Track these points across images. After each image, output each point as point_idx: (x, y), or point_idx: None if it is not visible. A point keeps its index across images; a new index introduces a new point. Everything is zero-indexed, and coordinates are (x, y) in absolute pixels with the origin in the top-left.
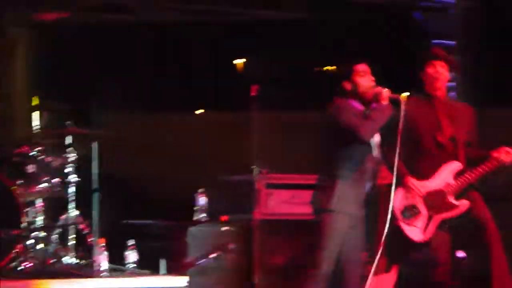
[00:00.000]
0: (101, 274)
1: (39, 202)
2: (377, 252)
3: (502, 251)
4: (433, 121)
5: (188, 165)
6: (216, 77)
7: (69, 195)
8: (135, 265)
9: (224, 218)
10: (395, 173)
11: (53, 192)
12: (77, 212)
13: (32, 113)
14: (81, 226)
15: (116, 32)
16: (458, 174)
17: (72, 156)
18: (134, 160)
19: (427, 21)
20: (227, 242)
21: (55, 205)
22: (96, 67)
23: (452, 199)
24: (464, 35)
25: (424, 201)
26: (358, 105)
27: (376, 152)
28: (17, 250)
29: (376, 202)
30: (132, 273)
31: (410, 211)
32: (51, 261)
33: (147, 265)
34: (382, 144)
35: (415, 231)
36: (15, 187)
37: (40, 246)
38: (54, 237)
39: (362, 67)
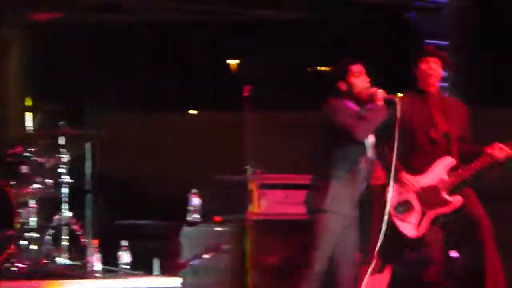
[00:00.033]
0: (94, 275)
1: (32, 203)
2: (371, 253)
3: (495, 248)
4: (426, 117)
5: (181, 165)
6: (210, 78)
7: (62, 196)
8: (128, 265)
9: (217, 218)
10: (392, 173)
11: (46, 192)
12: (70, 213)
13: (26, 114)
14: (74, 227)
15: (111, 32)
16: (452, 170)
17: (65, 157)
18: (128, 161)
19: (421, 21)
20: (221, 243)
21: (48, 205)
22: (91, 67)
23: (445, 195)
24: (457, 35)
25: (417, 197)
26: (353, 106)
27: (370, 153)
28: (10, 250)
29: (370, 202)
30: (125, 274)
31: (403, 207)
32: (44, 261)
33: (141, 266)
34: (377, 144)
35: (408, 227)
36: (9, 187)
37: (33, 246)
38: (47, 237)
39: (357, 68)
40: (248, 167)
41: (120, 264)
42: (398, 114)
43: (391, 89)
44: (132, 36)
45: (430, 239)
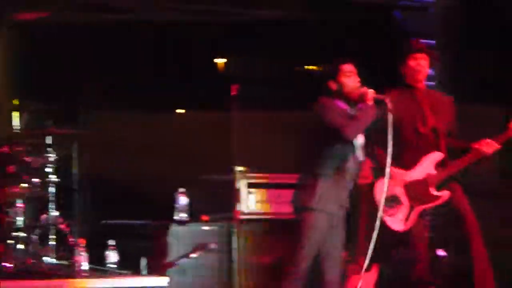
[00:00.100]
0: (82, 274)
1: (19, 202)
2: (358, 251)
3: (482, 244)
4: (415, 112)
5: (169, 164)
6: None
7: (50, 195)
8: (115, 265)
9: (205, 217)
10: (387, 172)
11: (33, 192)
12: (57, 212)
13: (12, 113)
14: (61, 226)
15: (97, 31)
16: (440, 165)
17: (52, 156)
18: (115, 160)
19: (406, 20)
20: (208, 242)
21: (35, 205)
22: (78, 67)
23: (433, 190)
24: (443, 34)
25: (405, 191)
26: (343, 105)
27: (359, 153)
28: None
29: (357, 201)
30: (113, 273)
31: (391, 201)
32: (31, 261)
33: (128, 265)
34: (367, 144)
35: (396, 221)
36: None
37: (20, 246)
38: (34, 237)
39: (348, 67)
40: (235, 166)
41: (108, 263)
42: (390, 115)
43: (383, 89)
44: (118, 35)
45: (417, 234)
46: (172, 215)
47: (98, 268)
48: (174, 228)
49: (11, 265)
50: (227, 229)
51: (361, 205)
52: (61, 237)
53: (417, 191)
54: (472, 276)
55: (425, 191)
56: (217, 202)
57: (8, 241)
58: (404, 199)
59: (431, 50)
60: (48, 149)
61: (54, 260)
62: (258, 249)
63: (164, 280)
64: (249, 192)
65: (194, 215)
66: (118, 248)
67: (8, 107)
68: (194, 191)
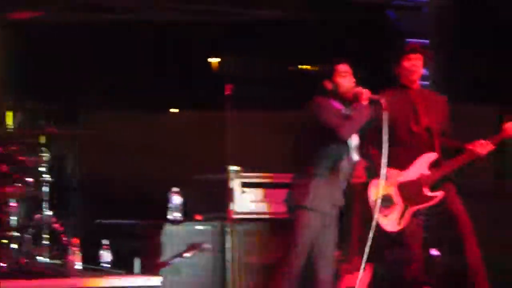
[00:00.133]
0: (75, 274)
1: (13, 202)
2: (352, 251)
3: (475, 244)
4: (408, 112)
5: (162, 164)
6: (191, 76)
7: (43, 195)
8: (109, 264)
9: (198, 217)
10: (382, 176)
11: (27, 191)
12: (51, 212)
13: (6, 112)
14: (55, 226)
15: (92, 31)
16: (433, 165)
17: (46, 156)
18: (109, 159)
19: (400, 20)
20: (202, 241)
21: (29, 204)
22: (74, 66)
23: (427, 190)
24: (437, 34)
25: (399, 192)
26: (338, 105)
27: (353, 153)
28: None
29: (350, 201)
30: (106, 273)
31: (385, 202)
32: (25, 261)
33: (121, 265)
34: (361, 144)
35: (389, 222)
36: None
37: (14, 245)
38: (28, 237)
39: (343, 68)
40: (229, 166)
41: (101, 263)
42: (385, 115)
43: (382, 88)
44: (112, 35)
45: (412, 234)
46: (166, 215)
47: (92, 267)
48: (167, 227)
49: (5, 265)
50: (220, 229)
51: (354, 204)
52: (55, 237)
53: (410, 192)
54: (465, 276)
55: (418, 191)
56: (210, 201)
57: (2, 241)
58: (397, 199)
59: (425, 50)
60: (43, 148)
61: (47, 260)
62: (252, 248)
63: (157, 280)
64: (243, 192)
65: (188, 214)
66: (112, 247)
67: (2, 106)
68: (188, 191)
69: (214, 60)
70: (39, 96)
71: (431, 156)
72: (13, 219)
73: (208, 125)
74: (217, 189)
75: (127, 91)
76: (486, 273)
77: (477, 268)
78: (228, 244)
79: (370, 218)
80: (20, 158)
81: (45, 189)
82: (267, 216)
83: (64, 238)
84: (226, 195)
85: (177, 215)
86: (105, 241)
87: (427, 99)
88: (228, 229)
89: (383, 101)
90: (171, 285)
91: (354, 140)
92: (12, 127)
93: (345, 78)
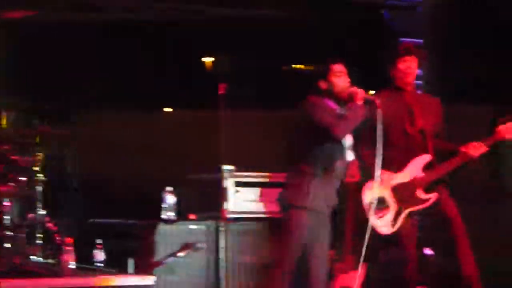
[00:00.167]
0: (69, 273)
1: (6, 201)
2: (346, 250)
3: (468, 246)
4: (403, 114)
5: (156, 163)
6: (185, 76)
7: (37, 194)
8: (102, 264)
9: (192, 216)
10: (377, 178)
11: (21, 191)
12: (44, 211)
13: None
14: (48, 225)
15: (84, 30)
16: (427, 167)
17: (40, 155)
18: (103, 159)
19: (394, 20)
20: (196, 241)
21: (23, 204)
22: (66, 66)
23: (420, 193)
24: (432, 33)
25: (393, 194)
26: (333, 105)
27: (347, 153)
28: None
29: (344, 200)
30: (100, 272)
31: (379, 204)
32: (18, 260)
33: (115, 264)
34: (355, 144)
35: (384, 224)
36: None
37: (7, 245)
38: (22, 236)
39: (338, 67)
40: (223, 165)
41: (95, 262)
42: (379, 115)
43: (379, 88)
44: (105, 35)
45: (407, 235)
46: (160, 214)
47: (85, 267)
48: (161, 227)
49: None
50: (214, 228)
51: (348, 203)
52: (48, 236)
53: (404, 194)
54: (458, 278)
55: (412, 194)
56: (204, 201)
57: None
58: (392, 202)
59: (419, 51)
60: (36, 148)
61: (41, 259)
62: (246, 248)
63: (151, 279)
64: (237, 191)
65: (182, 214)
66: (105, 247)
67: None
68: (182, 190)
69: (208, 60)
70: (33, 95)
71: (425, 158)
72: (7, 219)
73: (202, 125)
74: (211, 188)
75: (121, 91)
76: (479, 276)
77: (470, 271)
78: (222, 244)
79: (364, 217)
80: (14, 157)
81: (39, 188)
82: (261, 216)
83: (57, 238)
84: (220, 194)
85: (171, 214)
86: (98, 241)
87: (421, 101)
88: (222, 229)
89: (378, 101)
90: (164, 284)
91: (348, 140)
92: (6, 126)
93: (340, 78)
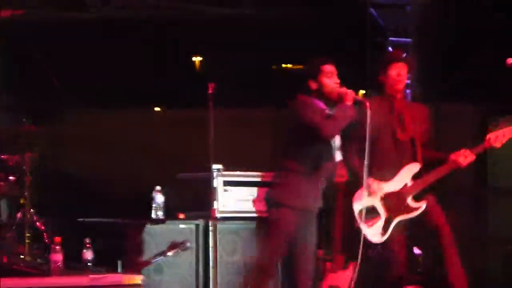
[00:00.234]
0: (57, 272)
1: None
2: (335, 249)
3: (456, 255)
4: (393, 122)
5: (145, 162)
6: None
7: (25, 193)
8: (91, 263)
9: (181, 215)
10: (364, 178)
11: (9, 190)
12: (33, 211)
13: None
14: (37, 224)
15: (71, 29)
16: (416, 176)
17: (28, 154)
18: (92, 158)
19: (383, 18)
20: (185, 240)
21: (11, 203)
22: (54, 64)
23: (410, 201)
24: (420, 32)
25: (382, 203)
26: (322, 105)
27: (336, 153)
28: None
29: (333, 199)
30: (88, 272)
31: (368, 213)
32: (7, 259)
33: (104, 263)
34: (343, 145)
35: (374, 232)
36: None
37: None
38: (10, 235)
39: (329, 68)
40: (211, 164)
41: (83, 261)
42: (368, 118)
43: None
44: (93, 33)
45: (395, 242)
46: (149, 213)
47: (74, 266)
48: (150, 226)
49: None
50: (203, 227)
51: (337, 203)
52: (37, 235)
53: (394, 202)
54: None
55: (402, 202)
56: (193, 200)
57: None
58: (381, 210)
59: (409, 59)
60: (24, 147)
61: (29, 258)
62: (235, 247)
63: (139, 279)
64: (226, 190)
65: (171, 213)
66: (94, 246)
67: None
68: (171, 189)
69: (197, 59)
70: (20, 94)
71: (415, 166)
72: None
73: (191, 124)
74: (200, 187)
75: (110, 90)
76: (467, 284)
77: (458, 279)
78: (211, 243)
79: (353, 217)
80: (2, 157)
81: (28, 187)
82: (250, 215)
83: (46, 237)
84: (209, 193)
85: (160, 214)
86: (87, 240)
87: (411, 109)
88: (211, 228)
89: (367, 102)
90: (153, 284)
91: (337, 140)
92: None
93: (330, 78)
